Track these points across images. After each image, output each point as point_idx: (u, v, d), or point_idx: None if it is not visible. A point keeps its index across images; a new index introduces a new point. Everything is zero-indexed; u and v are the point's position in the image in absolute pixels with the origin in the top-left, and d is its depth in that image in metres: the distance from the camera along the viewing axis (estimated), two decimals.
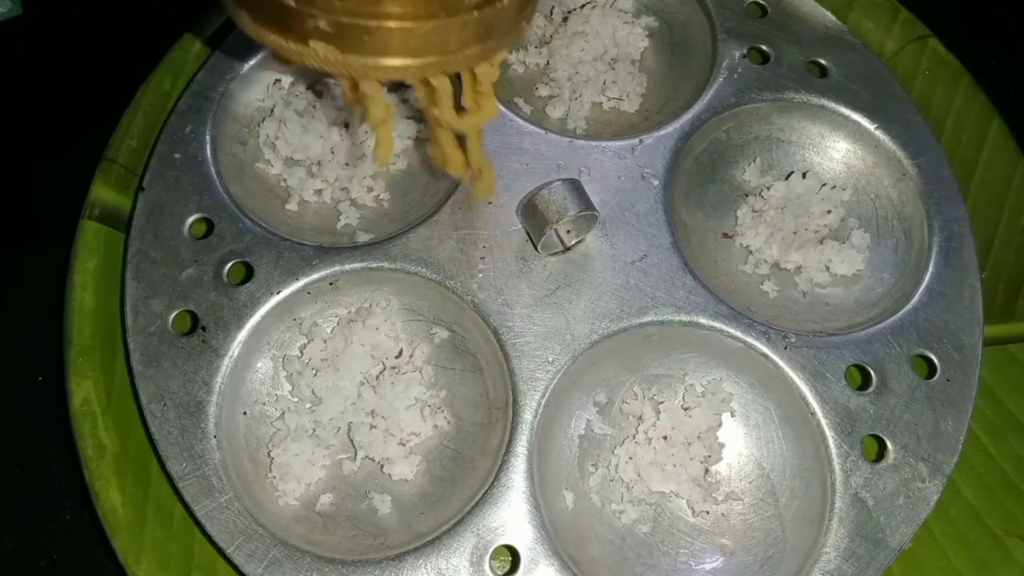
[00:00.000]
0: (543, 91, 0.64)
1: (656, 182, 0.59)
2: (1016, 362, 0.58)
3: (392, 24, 0.37)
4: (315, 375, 0.54)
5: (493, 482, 0.51)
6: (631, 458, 0.54)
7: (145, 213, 0.56)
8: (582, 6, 0.66)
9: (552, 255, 0.56)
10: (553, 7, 0.67)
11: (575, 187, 0.54)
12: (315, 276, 0.55)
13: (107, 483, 0.52)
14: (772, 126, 0.63)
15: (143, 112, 0.61)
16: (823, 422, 0.53)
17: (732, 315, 0.55)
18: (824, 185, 0.61)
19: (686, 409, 0.54)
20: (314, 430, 0.54)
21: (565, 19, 0.65)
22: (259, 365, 0.55)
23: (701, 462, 0.54)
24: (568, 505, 0.53)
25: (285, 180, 0.60)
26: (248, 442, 0.53)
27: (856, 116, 0.62)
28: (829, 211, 0.60)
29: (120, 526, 0.51)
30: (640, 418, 0.55)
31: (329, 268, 0.55)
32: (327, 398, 0.54)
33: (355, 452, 0.53)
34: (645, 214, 0.58)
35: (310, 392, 0.54)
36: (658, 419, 0.54)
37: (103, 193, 0.59)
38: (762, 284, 0.59)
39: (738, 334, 0.54)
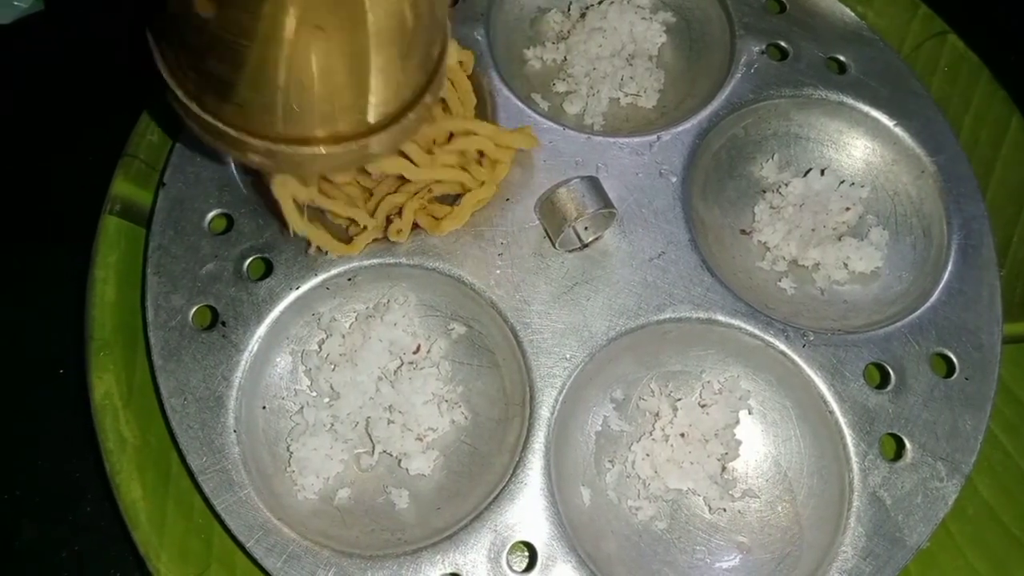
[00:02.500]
0: (560, 87, 0.64)
1: (674, 178, 0.58)
2: None
3: (318, 150, 0.44)
4: (333, 370, 0.54)
5: (510, 478, 0.51)
6: (648, 455, 0.54)
7: (166, 208, 0.57)
8: (600, 2, 0.66)
9: (570, 252, 0.56)
10: (571, 3, 0.67)
11: (594, 184, 0.54)
12: (334, 271, 0.55)
13: (128, 476, 0.53)
14: (790, 122, 0.63)
15: (164, 107, 0.61)
16: (841, 420, 0.53)
17: (750, 313, 0.55)
18: (843, 182, 0.61)
19: (703, 406, 0.54)
20: (332, 425, 0.54)
21: (583, 15, 0.65)
22: (278, 360, 0.55)
23: (718, 459, 0.54)
24: (585, 501, 0.53)
25: None
26: (267, 436, 0.54)
27: (875, 113, 0.61)
28: (847, 208, 0.60)
29: (141, 519, 0.52)
30: (657, 415, 0.55)
31: (347, 264, 0.55)
32: (345, 393, 0.54)
33: (373, 447, 0.54)
34: (663, 211, 0.58)
35: (328, 387, 0.54)
36: (675, 416, 0.54)
37: (124, 188, 0.59)
38: (780, 281, 0.59)
39: (756, 332, 0.54)
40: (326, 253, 0.55)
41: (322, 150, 0.44)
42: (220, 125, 0.43)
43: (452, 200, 0.57)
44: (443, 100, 0.56)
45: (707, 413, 0.54)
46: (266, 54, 0.39)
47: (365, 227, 0.55)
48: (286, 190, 0.49)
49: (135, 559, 0.52)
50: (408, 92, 0.45)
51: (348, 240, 0.55)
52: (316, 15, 0.38)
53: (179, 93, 0.43)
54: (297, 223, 0.50)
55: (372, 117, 0.44)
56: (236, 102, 0.42)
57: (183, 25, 0.41)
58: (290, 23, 0.37)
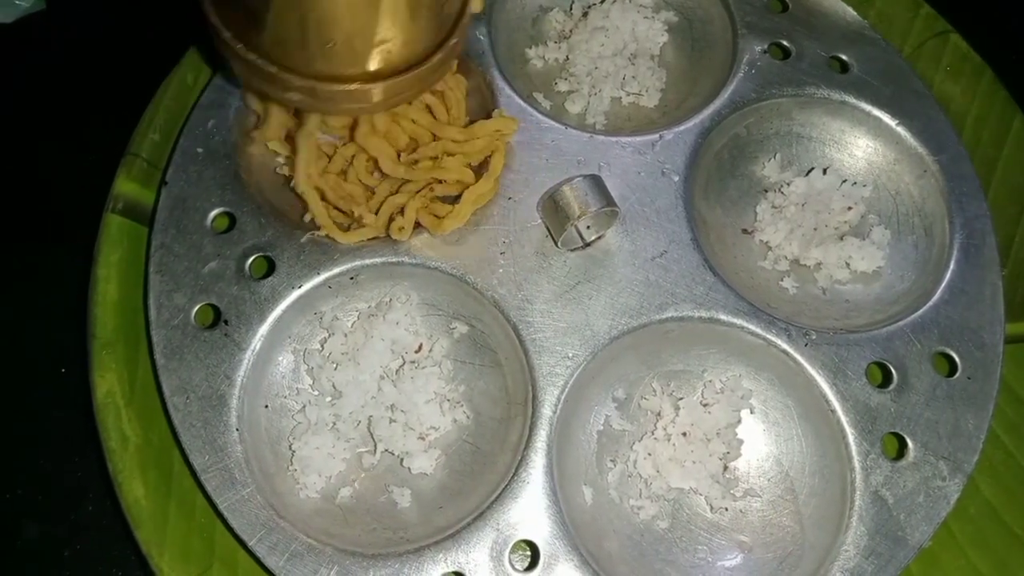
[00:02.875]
0: (562, 86, 0.64)
1: (676, 178, 0.59)
2: None
3: (352, 87, 0.47)
4: (335, 369, 0.54)
5: (512, 477, 0.51)
6: (650, 454, 0.54)
7: (168, 207, 0.57)
8: (602, 1, 0.66)
9: (572, 251, 0.56)
10: (573, 2, 0.67)
11: (596, 183, 0.54)
12: (336, 270, 0.55)
13: (130, 475, 0.53)
14: (792, 122, 0.63)
15: (165, 107, 0.62)
16: (843, 419, 0.53)
17: (752, 312, 0.55)
18: (844, 181, 0.61)
19: (705, 405, 0.54)
20: (334, 423, 0.54)
21: (585, 14, 0.65)
22: (280, 359, 0.55)
23: (720, 458, 0.54)
24: (587, 501, 0.53)
25: None
26: (269, 435, 0.54)
27: (877, 112, 0.61)
28: (849, 207, 0.60)
29: (143, 518, 0.52)
30: (659, 414, 0.55)
31: (350, 263, 0.55)
32: (347, 392, 0.54)
33: (375, 446, 0.54)
34: (665, 210, 0.58)
35: (330, 386, 0.54)
36: (677, 415, 0.54)
37: (126, 187, 0.59)
38: (782, 280, 0.59)
39: (758, 331, 0.54)
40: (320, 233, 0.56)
41: (355, 87, 0.47)
42: (262, 64, 0.46)
43: (454, 200, 0.57)
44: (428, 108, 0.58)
45: (709, 412, 0.54)
46: (318, 18, 0.43)
47: (364, 224, 0.55)
48: (311, 141, 0.54)
49: (137, 558, 0.53)
50: (433, 35, 0.48)
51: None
52: None
53: (226, 35, 0.47)
54: (307, 180, 0.55)
55: (402, 57, 0.47)
56: (277, 41, 0.45)
57: None
58: None
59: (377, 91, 0.48)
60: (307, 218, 0.56)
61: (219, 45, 0.48)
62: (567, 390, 0.53)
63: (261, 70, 0.47)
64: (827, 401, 0.53)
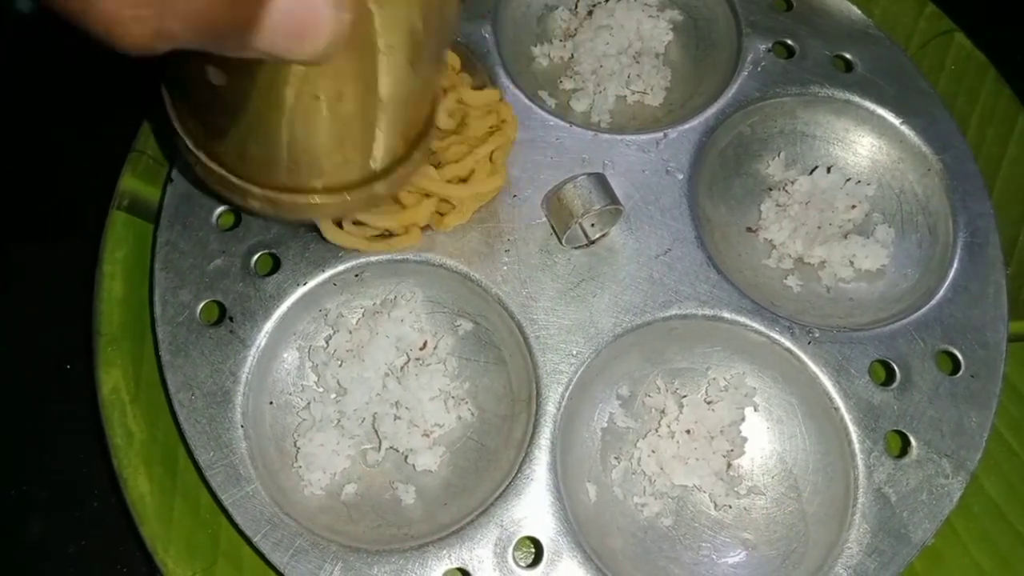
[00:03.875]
0: (567, 84, 0.64)
1: (680, 176, 0.59)
2: None
3: (312, 200, 0.45)
4: (340, 366, 0.55)
5: (516, 474, 0.51)
6: (654, 451, 0.54)
7: (174, 204, 0.57)
8: (607, 0, 0.66)
9: (576, 248, 0.56)
10: (578, 1, 0.67)
11: (600, 181, 0.54)
12: (341, 267, 0.55)
13: (135, 471, 0.53)
14: (797, 120, 0.63)
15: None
16: (847, 417, 0.53)
17: (756, 310, 0.55)
18: (848, 180, 0.61)
19: (709, 403, 0.55)
20: (339, 420, 0.54)
21: (590, 12, 0.65)
22: (285, 355, 0.55)
23: (724, 456, 0.54)
24: (591, 498, 0.53)
25: None
26: (274, 432, 0.54)
27: (881, 111, 0.61)
28: (853, 206, 0.60)
29: (148, 514, 0.52)
30: (663, 411, 0.55)
31: (355, 260, 0.55)
32: (352, 389, 0.54)
33: (379, 443, 0.54)
34: (669, 208, 0.58)
35: (335, 382, 0.54)
36: (681, 413, 0.54)
37: (132, 184, 0.60)
38: (786, 279, 0.59)
39: (762, 329, 0.55)
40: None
41: (319, 200, 0.45)
42: (224, 173, 0.45)
43: None
44: None
45: (713, 410, 0.54)
46: (268, 116, 0.40)
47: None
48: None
49: (142, 554, 0.53)
50: (410, 136, 0.46)
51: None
52: (321, 86, 0.39)
53: (188, 143, 0.45)
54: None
55: (376, 165, 0.45)
56: (240, 154, 0.44)
57: (193, 86, 0.42)
58: (292, 93, 0.39)
59: (340, 203, 0.46)
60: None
61: (184, 153, 0.46)
62: (571, 387, 0.53)
63: (224, 179, 0.45)
64: (830, 399, 0.53)
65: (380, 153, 0.45)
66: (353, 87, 0.40)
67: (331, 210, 0.48)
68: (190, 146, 0.45)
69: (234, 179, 0.45)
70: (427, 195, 0.55)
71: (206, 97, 0.42)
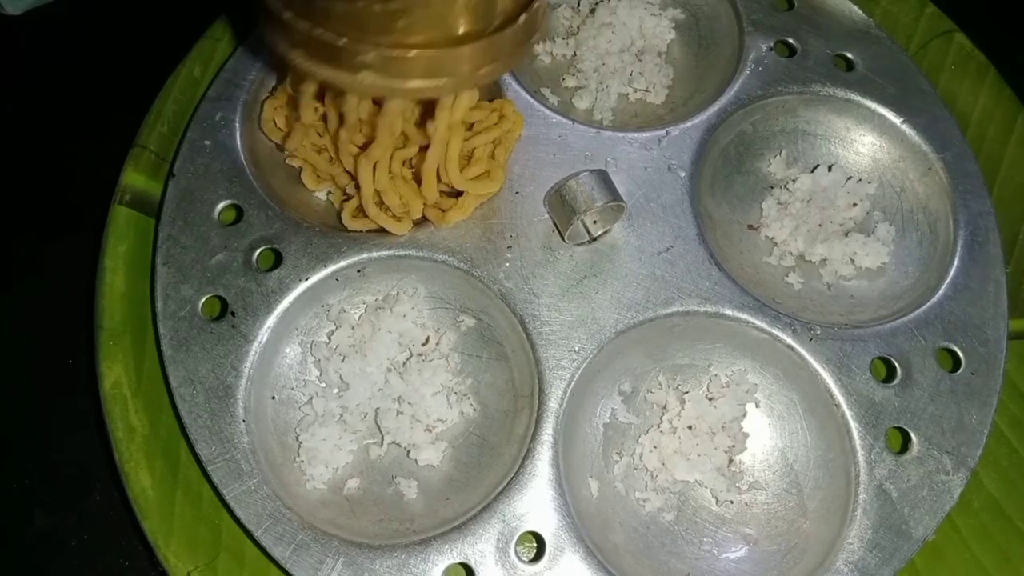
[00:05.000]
0: (570, 82, 0.65)
1: (682, 173, 0.59)
2: None
3: (421, 54, 0.44)
4: (343, 361, 0.55)
5: (519, 469, 0.51)
6: (655, 447, 0.54)
7: (175, 199, 0.57)
8: None
9: (578, 245, 0.57)
10: None
11: (603, 178, 0.54)
12: (343, 263, 0.55)
13: (137, 465, 0.53)
14: (798, 119, 0.63)
15: (173, 99, 0.62)
16: (848, 414, 0.53)
17: (758, 306, 0.55)
18: (850, 178, 0.61)
19: (711, 399, 0.55)
20: (341, 415, 0.54)
21: (592, 10, 0.66)
22: (287, 350, 0.55)
23: (725, 452, 0.54)
24: (593, 493, 0.53)
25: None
26: (276, 426, 0.54)
27: (882, 110, 0.62)
28: (854, 204, 0.60)
29: (150, 508, 0.52)
30: (665, 407, 0.55)
31: (357, 255, 0.55)
32: (354, 384, 0.54)
33: (382, 437, 0.54)
34: (671, 205, 0.58)
35: (338, 378, 0.55)
36: (683, 409, 0.54)
37: (134, 179, 0.60)
38: (787, 276, 0.59)
39: (764, 326, 0.55)
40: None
41: (416, 54, 0.44)
42: (330, 37, 0.43)
43: (458, 192, 0.57)
44: None
45: (714, 406, 0.54)
46: None
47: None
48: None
49: (144, 548, 0.53)
50: None
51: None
52: None
53: (286, 15, 0.44)
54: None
55: (485, 17, 0.44)
56: (346, 15, 0.43)
57: None
58: None
59: (463, 56, 0.44)
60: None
61: (277, 32, 0.44)
62: (573, 383, 0.53)
63: (329, 46, 0.43)
64: (832, 395, 0.54)
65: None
66: None
67: (453, 67, 0.45)
68: (286, 19, 0.44)
69: (342, 42, 0.43)
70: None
71: None
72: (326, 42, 0.44)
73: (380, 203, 0.55)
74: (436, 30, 0.44)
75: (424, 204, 0.56)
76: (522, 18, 0.46)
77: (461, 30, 0.44)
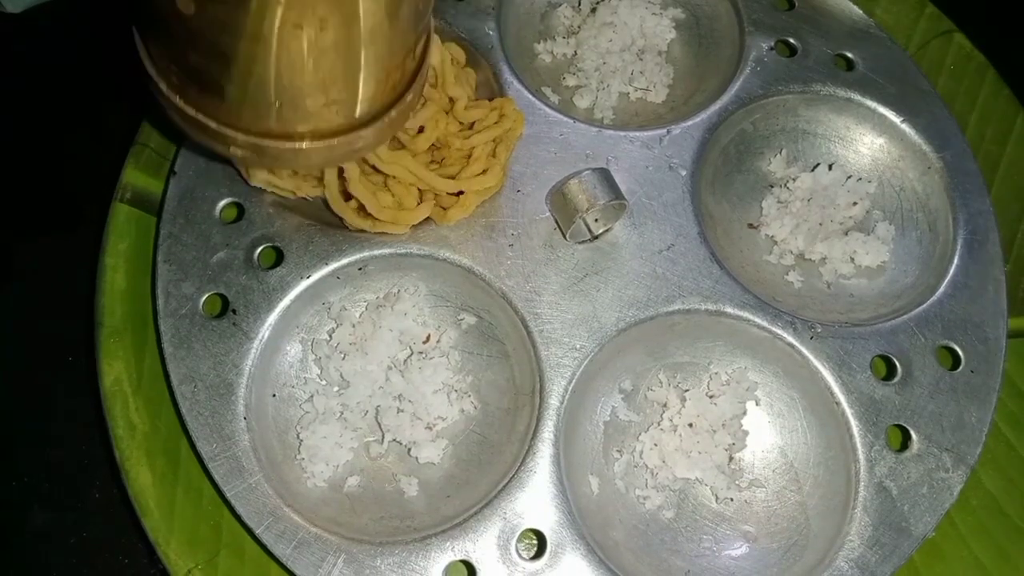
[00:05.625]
0: (571, 81, 0.65)
1: (683, 172, 0.59)
2: None
3: (295, 145, 0.44)
4: (343, 359, 0.55)
5: (520, 466, 0.51)
6: (656, 444, 0.54)
7: (176, 197, 0.57)
8: None
9: (580, 243, 0.57)
10: None
11: (604, 176, 0.54)
12: (344, 261, 0.55)
13: (137, 463, 0.53)
14: (798, 118, 0.63)
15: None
16: (848, 411, 0.53)
17: (758, 305, 0.55)
18: (850, 177, 0.61)
19: (711, 397, 0.55)
20: (342, 413, 0.54)
21: (593, 10, 0.66)
22: (288, 348, 0.55)
23: (725, 449, 0.54)
24: (593, 490, 0.53)
25: None
26: (277, 424, 0.54)
27: (882, 109, 0.62)
28: (854, 203, 0.60)
29: (150, 505, 0.52)
30: (665, 405, 0.55)
31: (358, 253, 0.55)
32: (355, 381, 0.54)
33: (382, 435, 0.54)
34: (672, 204, 0.58)
35: (338, 375, 0.55)
36: (683, 406, 0.55)
37: (134, 177, 0.60)
38: (787, 274, 0.59)
39: (764, 324, 0.55)
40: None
41: (305, 145, 0.44)
42: (202, 118, 0.43)
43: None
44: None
45: (715, 404, 0.54)
46: (249, 51, 0.39)
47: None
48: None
49: (144, 545, 0.53)
50: (392, 88, 0.45)
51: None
52: (298, 14, 0.37)
53: (162, 86, 0.43)
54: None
55: (356, 113, 0.44)
56: (219, 96, 0.42)
57: (165, 20, 0.40)
58: (272, 22, 0.37)
59: (323, 149, 0.45)
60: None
61: (159, 97, 0.45)
62: (574, 381, 0.53)
63: (203, 126, 0.43)
64: (832, 393, 0.54)
65: (368, 93, 0.43)
66: (336, 14, 0.38)
67: (316, 157, 0.46)
68: (165, 90, 0.43)
69: (215, 125, 0.43)
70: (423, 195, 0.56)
71: (179, 33, 0.40)
72: (201, 120, 0.44)
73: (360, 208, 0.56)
74: (307, 126, 0.44)
75: (422, 201, 0.56)
76: (393, 112, 0.46)
77: (333, 127, 0.44)
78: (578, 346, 0.54)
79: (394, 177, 0.55)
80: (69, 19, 0.71)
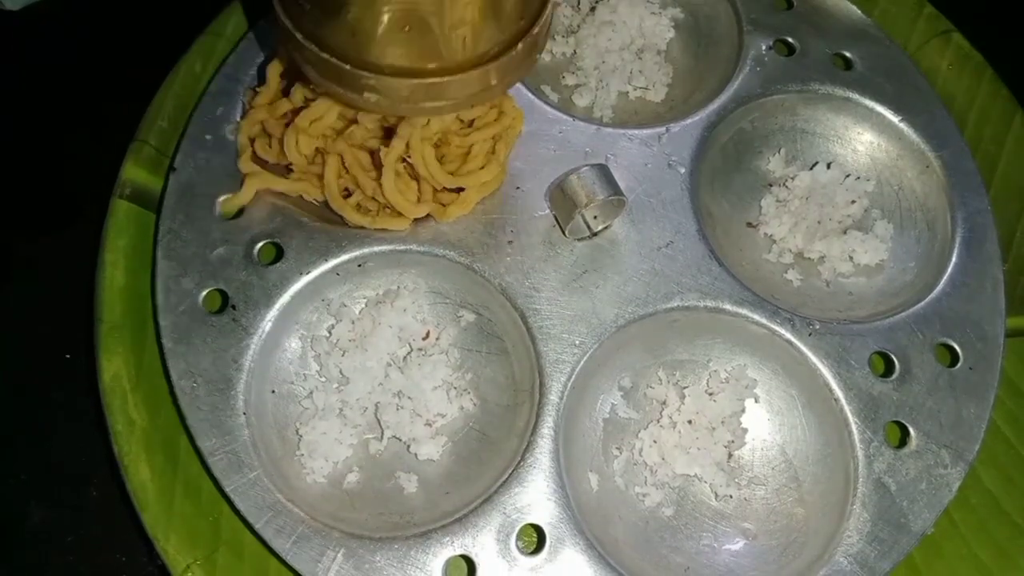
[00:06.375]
0: (570, 80, 0.65)
1: (682, 170, 0.59)
2: None
3: (427, 80, 0.46)
4: (343, 355, 0.55)
5: (519, 462, 0.51)
6: (655, 441, 0.54)
7: (176, 193, 0.57)
8: None
9: (579, 240, 0.57)
10: None
11: (603, 172, 0.55)
12: (344, 257, 0.55)
13: (136, 458, 0.53)
14: (797, 117, 0.63)
15: (174, 94, 0.62)
16: (846, 408, 0.53)
17: (757, 302, 0.55)
18: (848, 176, 0.62)
19: (710, 394, 0.55)
20: (341, 409, 0.54)
21: (592, 9, 0.66)
22: (288, 344, 0.55)
23: (725, 446, 0.54)
24: (593, 487, 0.53)
25: None
26: (276, 420, 0.54)
27: (880, 108, 0.62)
28: (853, 201, 0.61)
29: (149, 501, 0.52)
30: (664, 402, 0.55)
31: (358, 250, 0.55)
32: (354, 378, 0.54)
33: (382, 432, 0.54)
34: (671, 201, 0.58)
35: (338, 372, 0.54)
36: (682, 404, 0.55)
37: (134, 173, 0.60)
38: (786, 273, 0.60)
39: (763, 320, 0.55)
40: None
41: (436, 81, 0.46)
42: (336, 62, 0.45)
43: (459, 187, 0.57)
44: None
45: (714, 401, 0.55)
46: (395, 5, 0.42)
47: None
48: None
49: (142, 542, 0.52)
50: (514, 21, 0.47)
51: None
52: None
53: (298, 36, 0.46)
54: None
55: (488, 43, 0.46)
56: (354, 34, 0.44)
57: None
58: None
59: (466, 81, 0.47)
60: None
61: (293, 49, 0.47)
62: (574, 378, 0.53)
63: (335, 68, 0.46)
64: (830, 390, 0.54)
65: (493, 21, 0.45)
66: None
67: (453, 91, 0.47)
68: (302, 40, 0.45)
69: (347, 67, 0.45)
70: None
71: None
72: (334, 64, 0.46)
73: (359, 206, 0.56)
74: (437, 60, 0.46)
75: (420, 198, 0.56)
76: (520, 45, 0.48)
77: (461, 59, 0.46)
78: (577, 342, 0.54)
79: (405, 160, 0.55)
80: (69, 19, 0.71)
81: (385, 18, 0.43)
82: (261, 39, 0.61)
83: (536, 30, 0.48)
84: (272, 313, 0.54)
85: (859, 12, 0.66)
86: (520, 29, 0.48)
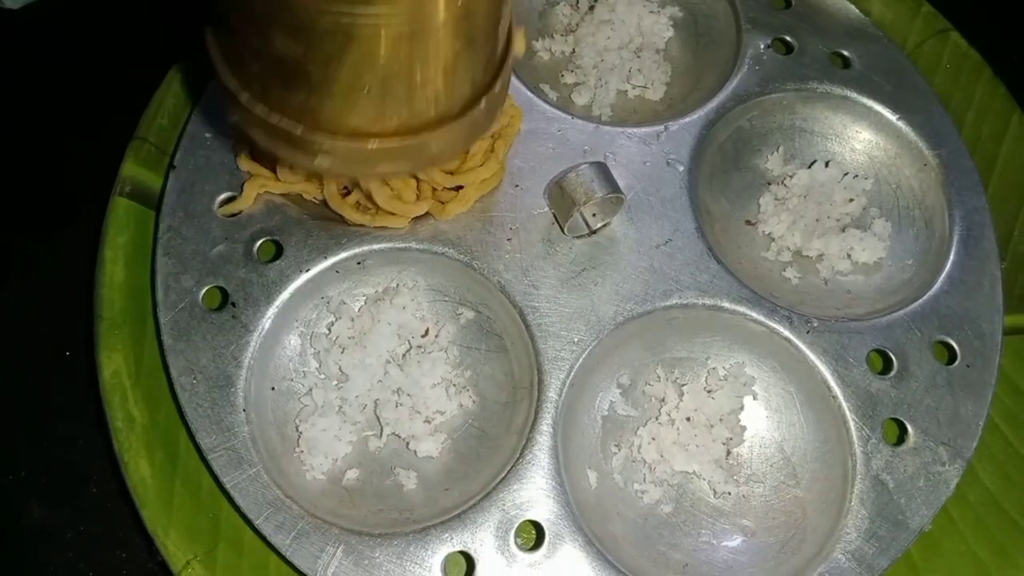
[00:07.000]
0: (569, 78, 0.65)
1: (681, 168, 0.59)
2: None
3: (379, 145, 0.44)
4: (342, 352, 0.55)
5: (518, 458, 0.51)
6: (654, 439, 0.54)
7: (176, 191, 0.57)
8: None
9: (578, 238, 0.57)
10: None
11: (602, 170, 0.55)
12: (343, 255, 0.55)
13: (136, 455, 0.53)
14: (795, 116, 0.63)
15: (173, 92, 0.62)
16: (844, 405, 0.54)
17: (756, 299, 0.56)
18: (846, 174, 0.62)
19: (708, 392, 0.55)
20: (341, 406, 0.54)
21: (591, 7, 0.66)
22: (287, 341, 0.55)
23: (723, 444, 0.54)
24: (591, 484, 0.53)
25: None
26: (276, 416, 0.54)
27: (878, 107, 0.62)
28: (851, 200, 0.61)
29: (149, 497, 0.52)
30: (663, 400, 0.55)
31: (357, 247, 0.56)
32: (354, 375, 0.54)
33: (381, 429, 0.54)
34: (670, 199, 0.58)
35: (337, 369, 0.55)
36: (681, 401, 0.55)
37: (134, 170, 0.60)
38: (784, 271, 0.60)
39: (761, 318, 0.55)
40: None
41: (378, 145, 0.44)
42: (287, 126, 0.43)
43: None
44: None
45: (712, 398, 0.55)
46: (355, 66, 0.40)
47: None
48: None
49: (142, 539, 0.53)
50: (475, 83, 0.45)
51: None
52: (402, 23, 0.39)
53: (242, 98, 0.44)
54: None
55: (449, 103, 0.44)
56: (305, 104, 0.42)
57: (256, 48, 0.41)
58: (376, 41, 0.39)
59: (425, 143, 0.44)
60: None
61: (238, 112, 0.45)
62: (572, 375, 0.53)
63: (288, 134, 0.43)
64: (828, 387, 0.54)
65: (461, 77, 0.43)
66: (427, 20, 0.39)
67: (391, 157, 0.45)
68: (244, 101, 0.43)
69: (298, 131, 0.43)
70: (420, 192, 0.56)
71: (273, 61, 0.41)
72: (283, 129, 0.44)
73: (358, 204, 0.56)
74: (395, 122, 0.44)
75: (419, 196, 0.56)
76: (483, 102, 0.46)
77: (421, 121, 0.44)
78: (576, 340, 0.54)
79: None
80: (69, 19, 0.71)
81: (346, 77, 0.41)
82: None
83: (497, 88, 0.46)
84: (272, 310, 0.54)
85: (857, 11, 0.66)
86: (483, 85, 0.46)
